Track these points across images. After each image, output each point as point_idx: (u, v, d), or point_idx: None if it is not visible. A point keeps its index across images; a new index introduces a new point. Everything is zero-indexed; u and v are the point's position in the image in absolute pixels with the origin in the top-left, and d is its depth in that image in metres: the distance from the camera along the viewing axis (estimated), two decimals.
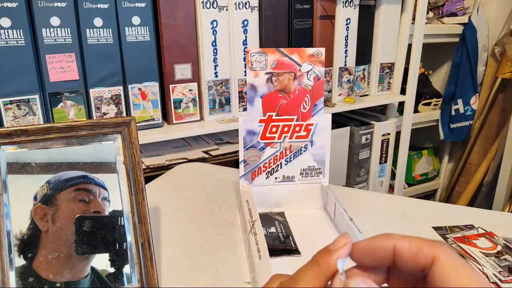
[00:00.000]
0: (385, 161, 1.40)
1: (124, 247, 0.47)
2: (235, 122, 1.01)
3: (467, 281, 0.20)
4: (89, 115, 0.89)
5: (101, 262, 0.46)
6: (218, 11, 0.97)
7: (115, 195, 0.48)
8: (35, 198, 0.46)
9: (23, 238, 0.44)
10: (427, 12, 1.39)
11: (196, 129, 0.98)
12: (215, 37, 0.98)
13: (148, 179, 0.78)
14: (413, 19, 1.30)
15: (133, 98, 0.93)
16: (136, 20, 0.88)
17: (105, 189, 0.48)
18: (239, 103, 1.05)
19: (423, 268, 0.21)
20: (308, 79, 0.61)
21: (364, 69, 1.29)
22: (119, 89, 0.90)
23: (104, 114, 0.90)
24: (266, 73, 0.60)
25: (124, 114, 0.92)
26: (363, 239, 0.23)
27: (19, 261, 0.44)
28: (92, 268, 0.45)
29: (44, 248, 0.45)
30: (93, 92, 0.88)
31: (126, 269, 0.46)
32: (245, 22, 1.01)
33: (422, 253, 0.21)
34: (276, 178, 0.64)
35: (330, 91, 1.22)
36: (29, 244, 0.44)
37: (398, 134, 1.42)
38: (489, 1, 1.56)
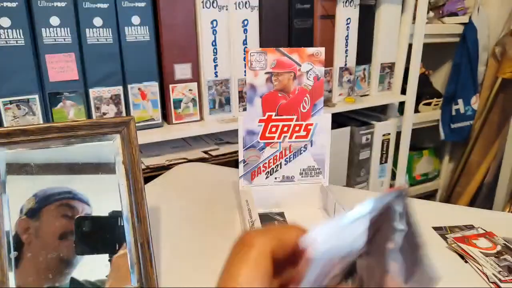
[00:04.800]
0: (386, 161, 1.40)
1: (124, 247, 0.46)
2: (235, 122, 1.01)
3: None
4: (89, 115, 0.89)
5: (83, 273, 0.46)
6: (218, 11, 0.97)
7: (114, 195, 0.48)
8: (21, 211, 0.45)
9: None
10: (428, 12, 1.38)
11: (196, 129, 0.98)
12: (215, 37, 0.98)
13: (148, 179, 0.78)
14: (414, 19, 1.30)
15: (132, 98, 0.93)
16: (135, 19, 0.88)
17: (89, 205, 0.48)
18: (239, 103, 1.05)
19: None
20: (308, 79, 0.61)
21: (364, 69, 1.29)
22: (118, 89, 0.90)
23: (104, 114, 0.90)
24: (266, 73, 0.60)
25: (124, 114, 0.92)
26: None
27: None
28: (72, 279, 0.45)
29: (27, 257, 0.44)
30: (93, 92, 0.88)
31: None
32: (245, 22, 1.01)
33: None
34: (275, 178, 0.64)
35: (330, 91, 1.22)
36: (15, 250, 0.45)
37: (398, 134, 1.42)
38: (489, 1, 1.56)
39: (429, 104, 1.61)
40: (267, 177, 0.64)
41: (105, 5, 0.84)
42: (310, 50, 0.60)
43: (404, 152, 1.44)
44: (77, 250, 0.45)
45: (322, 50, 0.60)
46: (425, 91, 1.59)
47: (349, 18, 1.17)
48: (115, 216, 0.47)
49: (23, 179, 0.46)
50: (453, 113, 1.63)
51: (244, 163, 0.63)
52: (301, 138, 0.63)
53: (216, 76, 1.01)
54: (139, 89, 0.93)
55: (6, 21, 0.77)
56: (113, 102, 0.91)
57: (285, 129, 0.62)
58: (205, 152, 1.03)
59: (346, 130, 1.28)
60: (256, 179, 0.64)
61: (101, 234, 0.46)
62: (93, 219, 0.47)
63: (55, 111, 0.85)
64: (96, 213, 0.47)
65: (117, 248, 0.46)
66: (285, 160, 0.64)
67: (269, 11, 1.03)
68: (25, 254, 0.44)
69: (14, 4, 0.77)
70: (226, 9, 0.97)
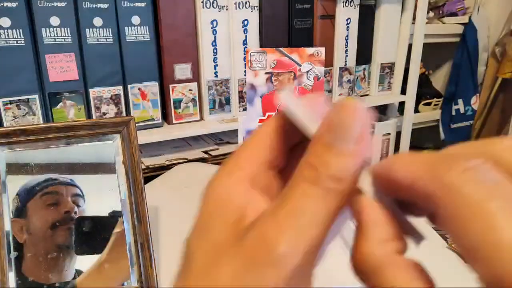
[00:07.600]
0: None
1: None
2: (235, 122, 1.01)
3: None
4: (89, 115, 0.89)
5: (85, 263, 0.45)
6: (218, 11, 0.97)
7: (114, 195, 0.48)
8: (12, 212, 0.45)
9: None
10: (428, 12, 1.39)
11: (196, 129, 0.98)
12: (215, 37, 0.98)
13: (148, 179, 0.78)
14: (414, 19, 1.30)
15: (133, 98, 0.93)
16: (136, 20, 0.88)
17: (75, 185, 0.47)
18: (239, 103, 1.05)
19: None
20: (308, 79, 0.61)
21: (364, 69, 1.29)
22: (118, 89, 0.90)
23: (104, 114, 0.90)
24: (266, 73, 0.60)
25: (124, 114, 0.92)
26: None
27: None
28: (77, 271, 0.45)
29: (28, 255, 0.44)
30: (93, 92, 0.88)
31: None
32: (245, 22, 1.01)
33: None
34: None
35: (330, 91, 1.22)
36: (15, 251, 0.44)
37: (398, 134, 1.42)
38: (489, 1, 1.56)
39: (429, 104, 1.61)
40: None
41: (105, 5, 0.84)
42: (310, 50, 0.60)
43: (404, 152, 1.44)
44: (77, 250, 0.45)
45: (322, 50, 0.60)
46: (425, 91, 1.59)
47: (349, 18, 1.17)
48: (115, 216, 0.47)
49: (26, 177, 0.46)
50: (453, 113, 1.63)
51: None
52: None
53: (216, 76, 1.01)
54: (139, 89, 0.93)
55: (6, 21, 0.77)
56: (113, 102, 0.91)
57: None
58: (205, 152, 1.03)
59: None
60: None
61: (101, 234, 0.46)
62: (93, 219, 0.47)
63: (55, 111, 0.85)
64: (92, 206, 0.47)
65: None
66: None
67: (269, 11, 1.03)
68: (25, 254, 0.44)
69: (14, 4, 0.77)
70: (226, 9, 0.97)
